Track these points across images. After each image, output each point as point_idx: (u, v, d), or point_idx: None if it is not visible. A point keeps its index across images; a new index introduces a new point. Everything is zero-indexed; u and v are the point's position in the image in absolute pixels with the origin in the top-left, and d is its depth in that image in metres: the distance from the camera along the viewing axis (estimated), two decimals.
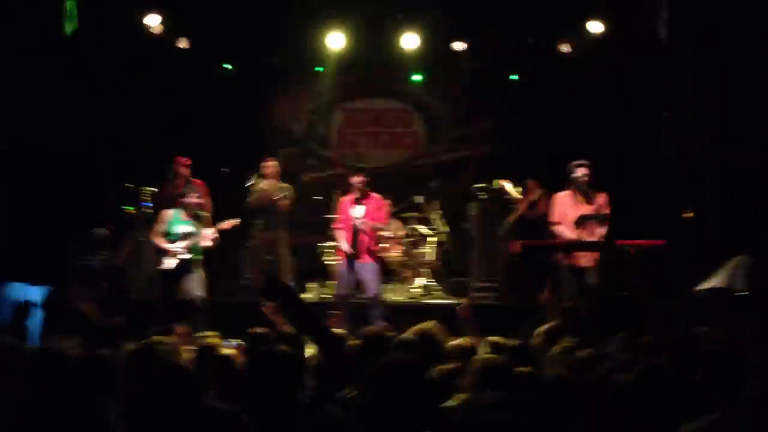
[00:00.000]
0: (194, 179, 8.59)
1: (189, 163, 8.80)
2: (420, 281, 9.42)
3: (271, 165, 8.81)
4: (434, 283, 9.48)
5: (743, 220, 6.79)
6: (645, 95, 9.11)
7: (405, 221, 9.78)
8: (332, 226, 8.40)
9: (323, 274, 9.45)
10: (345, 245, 7.84)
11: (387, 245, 9.17)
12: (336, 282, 8.07)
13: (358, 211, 7.79)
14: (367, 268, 7.80)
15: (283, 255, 8.74)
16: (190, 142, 9.88)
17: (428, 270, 9.53)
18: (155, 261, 7.76)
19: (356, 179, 7.86)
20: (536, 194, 8.70)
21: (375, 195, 7.97)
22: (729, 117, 7.29)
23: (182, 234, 7.58)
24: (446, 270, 9.72)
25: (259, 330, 4.23)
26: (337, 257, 8.35)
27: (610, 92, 10.11)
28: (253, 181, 8.66)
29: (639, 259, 7.04)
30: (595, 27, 9.63)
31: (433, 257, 9.56)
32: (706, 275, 6.87)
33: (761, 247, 6.52)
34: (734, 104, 7.16)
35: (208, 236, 7.63)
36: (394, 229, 9.47)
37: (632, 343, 4.61)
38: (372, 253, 7.89)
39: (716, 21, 6.95)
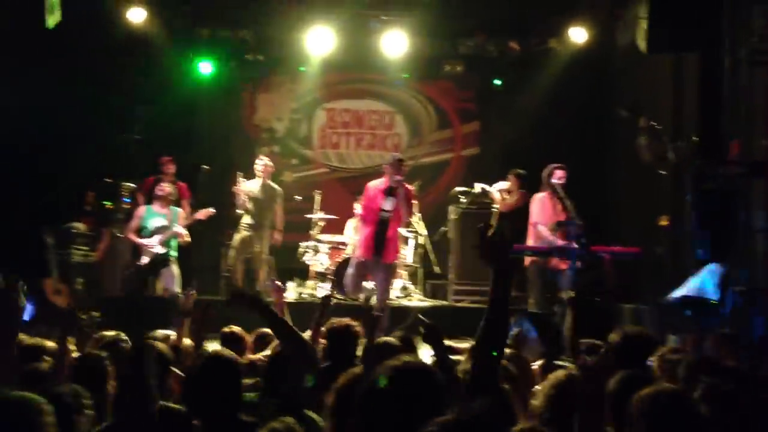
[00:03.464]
0: (178, 182, 8.69)
1: (171, 160, 8.91)
2: (398, 283, 9.46)
3: (261, 165, 8.85)
4: (412, 285, 9.51)
5: (718, 229, 6.85)
6: (623, 103, 9.19)
7: None
8: (357, 216, 7.85)
9: (302, 273, 9.46)
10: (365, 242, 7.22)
11: None
12: (350, 277, 7.40)
13: (388, 204, 7.23)
14: (385, 269, 7.23)
15: (264, 253, 8.81)
16: (170, 140, 9.87)
17: (407, 272, 9.56)
18: (130, 257, 7.78)
19: (393, 169, 7.08)
20: (516, 193, 8.76)
21: (407, 186, 7.30)
22: (705, 128, 7.37)
23: (156, 228, 7.60)
24: (425, 272, 9.76)
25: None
26: (348, 252, 8.00)
27: (591, 98, 10.22)
28: (240, 181, 8.69)
29: (614, 266, 7.11)
30: (578, 34, 9.77)
31: (412, 259, 9.59)
32: (680, 283, 6.94)
33: (734, 256, 6.59)
34: (709, 114, 7.24)
35: (181, 232, 7.67)
36: None
37: (598, 349, 4.68)
38: (393, 253, 7.34)
39: (693, 32, 7.03)
